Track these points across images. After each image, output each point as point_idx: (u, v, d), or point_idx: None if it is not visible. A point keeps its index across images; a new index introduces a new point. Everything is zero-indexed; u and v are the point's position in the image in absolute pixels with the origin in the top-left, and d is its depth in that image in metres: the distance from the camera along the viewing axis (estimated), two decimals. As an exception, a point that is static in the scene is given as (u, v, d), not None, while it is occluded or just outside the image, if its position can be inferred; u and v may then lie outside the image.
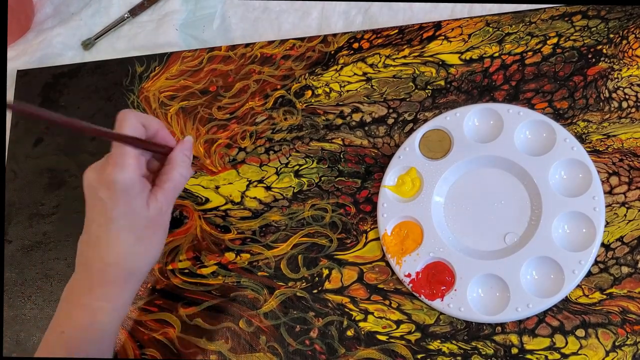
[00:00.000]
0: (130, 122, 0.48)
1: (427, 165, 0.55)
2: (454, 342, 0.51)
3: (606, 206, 0.51)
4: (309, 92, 0.62)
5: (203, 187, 0.62)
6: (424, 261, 0.53)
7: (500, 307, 0.50)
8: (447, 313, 0.51)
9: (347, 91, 0.61)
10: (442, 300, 0.51)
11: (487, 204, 0.54)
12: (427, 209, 0.54)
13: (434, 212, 0.54)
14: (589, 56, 0.56)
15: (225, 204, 0.61)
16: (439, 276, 0.52)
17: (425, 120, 0.57)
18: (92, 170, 0.49)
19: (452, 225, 0.54)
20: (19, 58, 0.74)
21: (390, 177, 0.56)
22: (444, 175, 0.55)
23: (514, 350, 0.50)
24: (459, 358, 0.51)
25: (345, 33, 0.63)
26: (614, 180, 0.52)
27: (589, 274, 0.50)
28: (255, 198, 0.60)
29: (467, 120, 0.56)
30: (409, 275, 0.53)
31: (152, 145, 0.50)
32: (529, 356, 0.50)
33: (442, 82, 0.59)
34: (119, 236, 0.48)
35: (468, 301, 0.51)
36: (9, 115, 0.70)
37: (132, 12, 0.73)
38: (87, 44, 0.73)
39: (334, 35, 0.63)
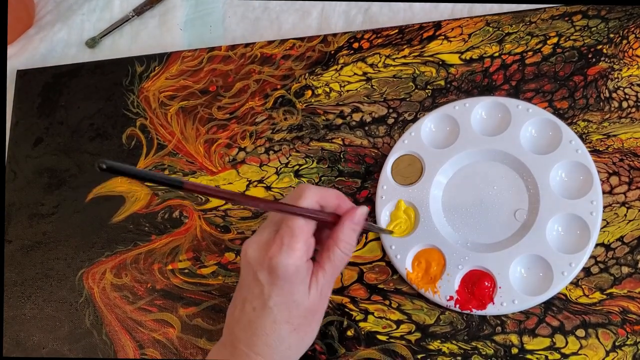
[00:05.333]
0: (307, 201, 0.43)
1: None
2: (454, 342, 0.51)
3: (606, 206, 0.51)
4: (309, 92, 0.62)
5: (203, 187, 0.62)
6: (458, 276, 0.52)
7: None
8: (504, 312, 0.50)
9: (347, 91, 0.61)
10: (493, 303, 0.50)
11: (486, 199, 0.54)
12: (431, 226, 0.54)
13: (438, 225, 0.54)
14: (589, 56, 0.56)
15: (225, 203, 0.61)
16: (479, 284, 0.51)
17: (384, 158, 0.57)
18: (254, 248, 0.44)
19: (459, 227, 0.54)
20: (21, 55, 0.75)
21: (383, 219, 0.55)
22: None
23: (514, 350, 0.50)
24: (459, 358, 0.51)
25: (345, 33, 0.63)
26: (614, 180, 0.52)
27: (589, 273, 0.50)
28: (255, 198, 0.60)
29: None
30: (451, 299, 0.52)
31: (322, 215, 0.45)
32: (529, 356, 0.50)
33: (442, 82, 0.59)
34: (273, 328, 0.43)
35: (517, 290, 0.50)
36: (8, 115, 0.70)
37: (137, 11, 0.73)
38: (92, 43, 0.73)
39: (334, 35, 0.63)
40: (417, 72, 0.60)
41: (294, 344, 0.45)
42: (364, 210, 0.46)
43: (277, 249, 0.42)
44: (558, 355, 0.49)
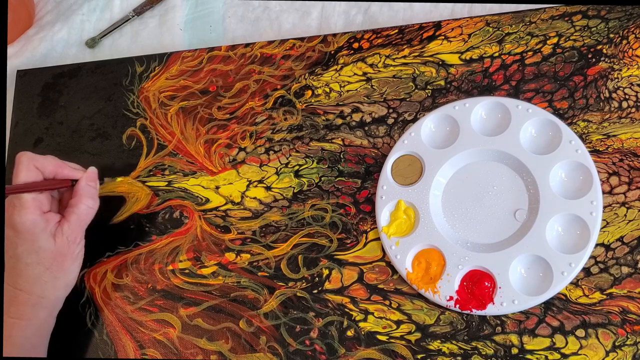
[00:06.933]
0: (23, 166, 0.53)
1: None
2: (454, 342, 0.51)
3: (606, 206, 0.51)
4: (309, 92, 0.62)
5: (203, 187, 0.62)
6: (458, 277, 0.52)
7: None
8: (504, 312, 0.50)
9: (347, 91, 0.61)
10: (493, 303, 0.51)
11: (486, 199, 0.54)
12: (431, 226, 0.54)
13: (438, 225, 0.54)
14: (589, 56, 0.56)
15: (225, 204, 0.61)
16: (479, 284, 0.51)
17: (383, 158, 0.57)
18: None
19: (459, 227, 0.54)
20: (21, 55, 0.75)
21: (383, 219, 0.55)
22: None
23: (514, 351, 0.50)
24: (459, 358, 0.51)
25: (345, 33, 0.63)
26: (614, 180, 0.52)
27: (589, 273, 0.50)
28: (255, 198, 0.60)
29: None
30: (451, 299, 0.52)
31: (49, 184, 0.54)
32: (529, 356, 0.50)
33: (442, 82, 0.59)
34: (26, 268, 0.53)
35: (517, 290, 0.50)
36: (9, 115, 0.70)
37: (137, 11, 0.73)
38: (92, 43, 0.73)
39: (334, 35, 0.63)
40: (417, 72, 0.60)
41: (50, 280, 0.54)
42: (93, 169, 0.57)
43: (11, 209, 0.52)
44: (558, 355, 0.49)
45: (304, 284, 0.56)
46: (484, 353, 0.51)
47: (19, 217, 0.52)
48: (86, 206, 0.55)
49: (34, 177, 0.54)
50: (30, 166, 0.54)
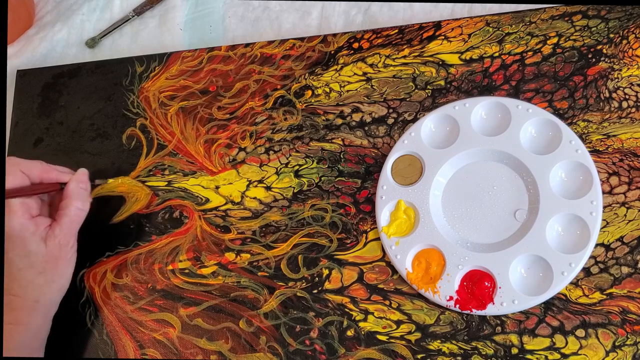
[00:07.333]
0: (8, 171, 0.53)
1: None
2: (454, 342, 0.51)
3: (606, 206, 0.51)
4: (309, 92, 0.62)
5: (203, 187, 0.62)
6: (458, 277, 0.52)
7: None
8: (504, 312, 0.50)
9: (347, 91, 0.61)
10: (493, 303, 0.51)
11: (486, 199, 0.54)
12: (431, 226, 0.54)
13: (438, 225, 0.54)
14: (589, 56, 0.56)
15: (225, 204, 0.61)
16: (479, 284, 0.51)
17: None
18: None
19: (459, 227, 0.54)
20: (21, 55, 0.75)
21: (383, 219, 0.55)
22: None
23: (514, 350, 0.50)
24: (459, 358, 0.51)
25: (345, 33, 0.63)
26: (614, 180, 0.52)
27: (589, 273, 0.50)
28: (255, 198, 0.60)
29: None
30: (451, 299, 0.52)
31: (36, 189, 0.54)
32: (529, 356, 0.50)
33: (442, 82, 0.59)
34: (18, 273, 0.53)
35: (517, 290, 0.50)
36: (9, 115, 0.70)
37: (137, 11, 0.73)
38: (92, 43, 0.73)
39: (334, 35, 0.63)
40: (417, 72, 0.60)
41: (44, 284, 0.54)
42: (84, 170, 0.57)
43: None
44: (558, 355, 0.49)
45: (304, 284, 0.56)
46: (484, 353, 0.51)
47: (7, 221, 0.52)
48: (76, 208, 0.55)
49: (19, 181, 0.54)
50: (16, 171, 0.54)
